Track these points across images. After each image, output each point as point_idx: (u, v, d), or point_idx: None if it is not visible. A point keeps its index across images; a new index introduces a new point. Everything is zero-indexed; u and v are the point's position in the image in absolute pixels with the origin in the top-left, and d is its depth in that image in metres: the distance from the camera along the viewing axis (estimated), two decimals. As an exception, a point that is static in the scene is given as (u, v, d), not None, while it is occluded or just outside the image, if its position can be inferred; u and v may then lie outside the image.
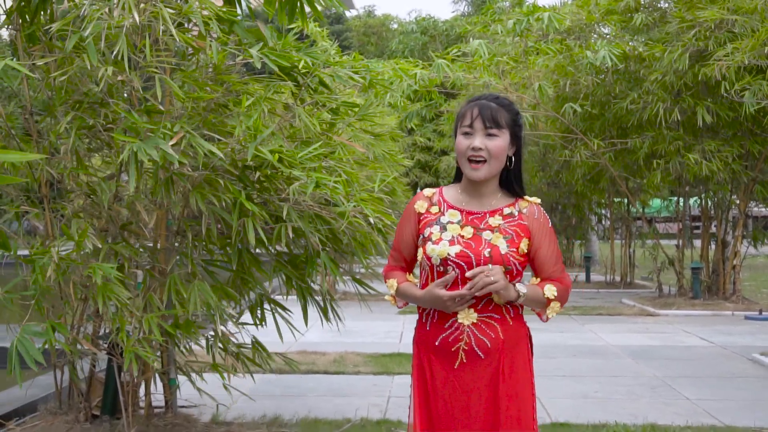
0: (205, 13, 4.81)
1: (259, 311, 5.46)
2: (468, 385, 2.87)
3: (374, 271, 4.94)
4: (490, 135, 2.87)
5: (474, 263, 2.83)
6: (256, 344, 5.46)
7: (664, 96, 11.93)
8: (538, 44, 13.26)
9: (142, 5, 4.42)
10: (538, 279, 2.98)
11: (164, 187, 4.56)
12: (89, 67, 4.49)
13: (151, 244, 5.28)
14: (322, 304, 5.44)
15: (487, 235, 2.88)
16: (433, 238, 2.91)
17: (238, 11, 5.34)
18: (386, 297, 3.12)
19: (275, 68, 4.87)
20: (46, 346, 4.93)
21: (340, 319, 5.51)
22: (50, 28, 4.85)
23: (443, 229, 2.92)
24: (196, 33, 4.98)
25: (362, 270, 5.30)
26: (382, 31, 35.73)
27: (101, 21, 4.30)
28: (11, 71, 5.25)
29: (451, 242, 2.88)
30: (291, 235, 4.70)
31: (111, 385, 5.30)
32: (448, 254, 2.86)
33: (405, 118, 15.03)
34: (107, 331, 5.28)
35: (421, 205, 3.03)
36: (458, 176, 3.03)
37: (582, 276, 18.74)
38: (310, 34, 11.49)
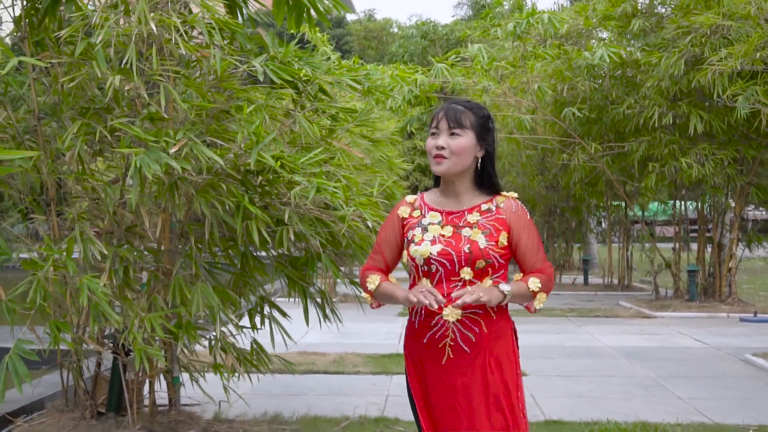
0: (209, 21, 4.97)
1: (258, 315, 5.60)
2: (456, 380, 2.97)
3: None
4: (453, 134, 3.01)
5: (455, 260, 2.95)
6: (256, 346, 5.60)
7: (660, 101, 12.08)
8: (536, 48, 13.41)
9: (151, 14, 4.57)
10: (521, 274, 3.09)
11: (168, 191, 4.70)
12: (99, 74, 4.63)
13: (155, 246, 5.42)
14: (320, 304, 5.59)
15: (466, 231, 3.00)
16: (416, 240, 3.04)
17: (239, 19, 5.47)
18: (363, 294, 3.25)
19: (277, 80, 5.02)
20: (52, 347, 5.10)
21: (339, 320, 5.65)
22: (59, 34, 5.00)
23: (425, 230, 3.05)
24: (200, 41, 5.14)
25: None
26: (383, 35, 35.86)
27: (111, 29, 4.46)
28: (18, 77, 5.41)
29: (433, 242, 3.00)
30: (292, 238, 4.85)
31: (116, 383, 5.44)
32: (431, 253, 2.98)
33: (406, 124, 15.18)
34: (112, 330, 5.43)
35: (404, 210, 3.17)
36: (437, 181, 3.17)
37: (580, 279, 18.89)
38: (311, 40, 11.63)
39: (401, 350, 9.10)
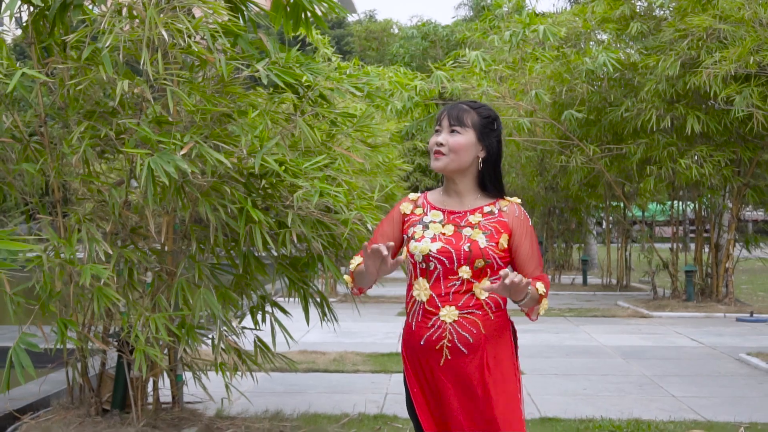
0: (212, 26, 5.09)
1: (260, 313, 5.73)
2: (455, 381, 2.95)
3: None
4: (453, 132, 3.02)
5: (454, 258, 2.94)
6: (260, 343, 5.72)
7: (657, 104, 12.21)
8: (535, 51, 13.52)
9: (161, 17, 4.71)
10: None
11: (176, 194, 4.83)
12: (105, 79, 4.76)
13: (159, 248, 5.54)
14: (320, 304, 5.72)
15: (467, 231, 2.99)
16: (416, 237, 3.02)
17: (240, 22, 5.59)
18: (345, 276, 3.21)
19: (281, 83, 5.14)
20: (59, 345, 5.23)
21: (336, 320, 5.78)
22: (66, 38, 5.13)
23: (425, 227, 3.04)
24: (203, 45, 5.26)
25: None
26: (384, 36, 35.96)
27: (118, 34, 4.59)
28: (27, 82, 5.54)
29: (433, 239, 3.00)
30: (295, 240, 4.99)
31: (121, 380, 5.55)
32: (430, 251, 2.97)
33: (406, 132, 15.28)
34: (117, 329, 5.55)
35: (406, 207, 3.17)
36: (442, 180, 3.17)
37: (579, 279, 19.01)
38: (312, 41, 11.74)
39: (400, 349, 9.25)
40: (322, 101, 5.61)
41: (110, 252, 4.89)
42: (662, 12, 13.56)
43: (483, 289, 2.90)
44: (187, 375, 5.84)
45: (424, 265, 3.00)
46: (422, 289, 3.01)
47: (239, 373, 5.57)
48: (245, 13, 5.61)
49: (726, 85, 10.31)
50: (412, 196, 3.23)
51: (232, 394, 5.51)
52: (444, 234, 3.01)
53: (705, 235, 14.59)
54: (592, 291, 17.12)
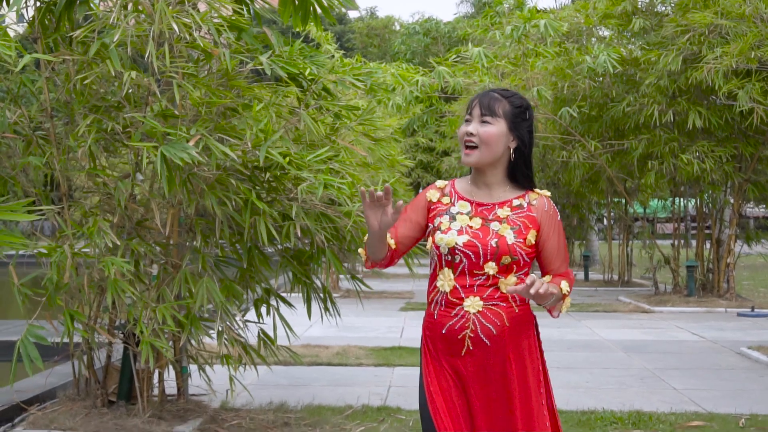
0: (217, 20, 5.15)
1: (264, 306, 5.79)
2: (475, 372, 2.91)
3: (375, 270, 5.24)
4: (484, 122, 2.92)
5: (481, 253, 2.88)
6: (264, 336, 5.77)
7: (659, 99, 12.25)
8: (537, 47, 13.56)
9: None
10: (549, 276, 3.00)
11: (182, 186, 4.88)
12: (112, 73, 4.81)
13: (164, 240, 5.59)
14: (323, 298, 5.78)
15: (495, 226, 2.92)
16: (442, 228, 2.96)
17: (245, 16, 5.63)
18: (360, 250, 3.13)
19: (284, 75, 5.19)
20: (65, 339, 5.30)
21: (338, 314, 5.83)
22: (72, 34, 5.18)
23: (452, 219, 2.97)
24: (208, 39, 5.31)
25: (364, 270, 5.64)
26: (385, 32, 36.01)
27: (127, 28, 4.64)
28: (32, 76, 5.59)
29: (460, 232, 2.93)
30: (299, 233, 5.04)
31: (127, 372, 5.61)
32: (456, 243, 2.90)
33: (408, 125, 15.34)
34: (123, 322, 5.61)
35: (433, 194, 3.07)
36: (471, 168, 3.07)
37: (581, 275, 19.06)
38: (315, 38, 11.79)
39: (403, 344, 9.33)
40: (326, 94, 5.65)
41: (117, 242, 4.95)
42: (664, 8, 13.59)
43: (507, 289, 2.86)
44: (192, 368, 5.89)
45: (450, 257, 2.94)
46: (446, 280, 2.95)
47: (243, 365, 5.63)
48: (250, 7, 5.66)
49: (727, 81, 10.35)
50: (440, 183, 3.14)
51: (235, 386, 5.57)
52: (471, 227, 2.94)
53: (706, 231, 14.63)
54: (593, 287, 17.18)
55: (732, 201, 13.74)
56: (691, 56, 11.39)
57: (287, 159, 4.87)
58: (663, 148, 12.70)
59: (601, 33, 14.88)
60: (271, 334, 5.74)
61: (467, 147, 2.96)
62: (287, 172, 5.02)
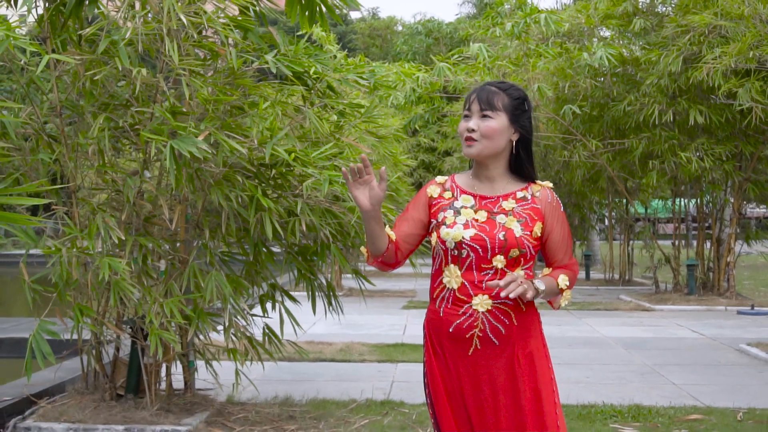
0: (223, 20, 5.25)
1: (269, 302, 5.89)
2: (482, 371, 2.89)
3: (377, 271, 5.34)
4: (484, 116, 2.90)
5: (489, 246, 2.85)
6: (269, 331, 5.87)
7: (660, 98, 12.34)
8: (538, 47, 13.66)
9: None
10: (549, 269, 3.01)
11: (189, 181, 4.98)
12: (120, 69, 4.91)
13: (172, 236, 5.69)
14: (327, 294, 5.88)
15: (501, 218, 2.90)
16: (447, 222, 2.92)
17: (252, 16, 5.73)
18: (362, 249, 3.08)
19: (289, 73, 5.29)
20: (74, 336, 5.40)
21: (341, 310, 5.93)
22: (82, 32, 5.28)
23: (457, 213, 2.94)
24: (214, 39, 5.42)
25: (367, 268, 5.73)
26: (387, 33, 36.11)
27: (136, 27, 4.75)
28: (43, 75, 5.68)
29: (466, 226, 2.90)
30: (304, 229, 5.14)
31: (135, 366, 5.70)
32: (463, 237, 2.87)
33: (409, 122, 15.45)
34: (131, 317, 5.70)
35: (433, 190, 3.04)
36: (471, 163, 3.06)
37: (582, 274, 19.15)
38: (317, 39, 11.88)
39: (406, 341, 9.40)
40: (331, 93, 5.75)
41: (123, 237, 5.04)
42: (665, 8, 13.68)
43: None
44: (199, 363, 5.99)
45: (456, 252, 2.90)
46: (453, 276, 2.91)
47: (249, 359, 5.73)
48: (256, 7, 5.76)
49: (727, 80, 10.44)
50: (440, 179, 3.11)
51: (241, 380, 5.66)
52: (477, 220, 2.91)
53: (707, 231, 14.72)
54: (595, 286, 17.26)
55: (732, 200, 13.82)
56: (691, 56, 11.47)
57: (293, 156, 4.97)
58: (663, 146, 12.78)
59: (602, 33, 14.97)
60: (276, 329, 5.84)
61: (468, 141, 2.94)
62: (292, 169, 5.12)
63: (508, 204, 2.94)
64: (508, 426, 2.88)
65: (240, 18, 5.43)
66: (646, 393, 6.67)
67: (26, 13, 5.52)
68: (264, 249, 5.72)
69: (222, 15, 5.30)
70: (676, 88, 12.15)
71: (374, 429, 5.51)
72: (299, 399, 6.25)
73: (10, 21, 5.14)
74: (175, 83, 5.47)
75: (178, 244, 5.64)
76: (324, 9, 5.49)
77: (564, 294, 2.98)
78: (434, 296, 2.99)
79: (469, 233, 2.89)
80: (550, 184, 3.03)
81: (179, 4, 4.87)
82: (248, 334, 5.70)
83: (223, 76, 5.44)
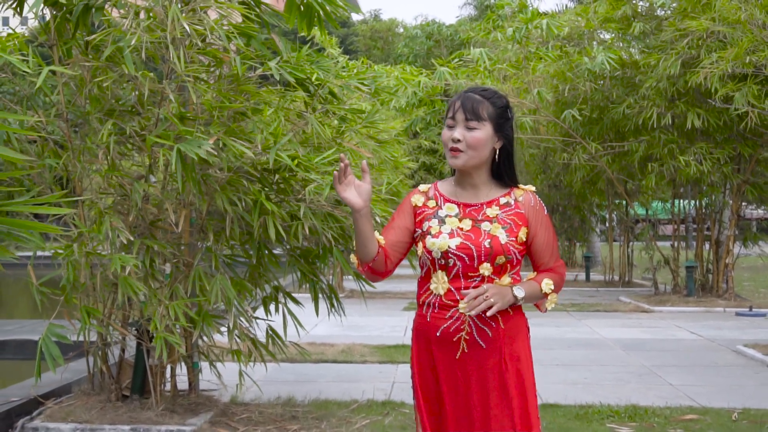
0: (227, 27, 5.36)
1: (272, 304, 5.99)
2: (470, 374, 2.92)
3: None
4: (469, 127, 2.90)
5: (475, 255, 2.87)
6: (272, 333, 5.97)
7: (658, 102, 12.44)
8: (538, 50, 13.76)
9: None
10: (534, 273, 3.04)
11: (196, 186, 5.09)
12: (128, 76, 5.02)
13: (177, 239, 5.79)
14: (329, 296, 5.99)
15: (485, 226, 2.92)
16: (433, 232, 2.93)
17: (254, 24, 5.83)
18: (351, 257, 3.09)
19: (292, 80, 5.40)
20: (81, 338, 5.51)
21: (343, 312, 6.04)
22: (88, 38, 5.39)
23: (442, 222, 2.95)
24: (217, 46, 5.52)
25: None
26: (389, 35, 36.22)
27: (141, 34, 4.85)
28: (50, 81, 5.78)
29: (451, 235, 2.91)
30: (307, 232, 5.24)
31: (140, 367, 5.80)
32: (449, 247, 2.89)
33: (410, 125, 15.56)
34: (136, 319, 5.81)
35: (417, 199, 3.06)
36: (454, 170, 3.05)
37: (582, 276, 19.26)
38: (319, 41, 11.98)
39: (406, 342, 9.49)
40: (332, 98, 5.86)
41: (131, 239, 5.15)
42: (663, 12, 13.78)
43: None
44: (203, 364, 6.09)
45: (443, 261, 2.92)
46: (440, 283, 2.94)
47: (252, 360, 5.83)
48: (259, 14, 5.86)
49: (724, 84, 10.54)
50: (423, 187, 3.12)
51: (245, 381, 5.77)
52: (462, 229, 2.93)
53: (706, 232, 14.82)
54: (594, 287, 17.35)
55: (731, 202, 13.92)
56: (689, 60, 11.58)
57: (296, 161, 5.09)
58: (662, 149, 12.89)
59: (602, 36, 15.07)
60: (279, 331, 5.94)
61: (454, 151, 2.94)
62: (295, 173, 5.23)
63: (492, 211, 2.96)
64: (497, 426, 2.91)
65: (243, 24, 5.53)
66: (643, 393, 6.77)
67: (33, 17, 5.63)
68: (267, 252, 5.83)
69: (226, 23, 5.41)
70: (675, 91, 12.26)
71: (375, 429, 5.61)
72: (302, 399, 6.35)
73: (12, 27, 5.25)
74: (180, 89, 5.57)
75: (182, 248, 5.74)
76: (322, 14, 5.61)
77: (549, 297, 3.01)
78: (421, 302, 3.02)
79: (454, 242, 2.91)
80: (533, 188, 3.05)
81: (183, 15, 4.97)
82: (252, 336, 5.81)
83: (226, 82, 5.55)
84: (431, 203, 3.05)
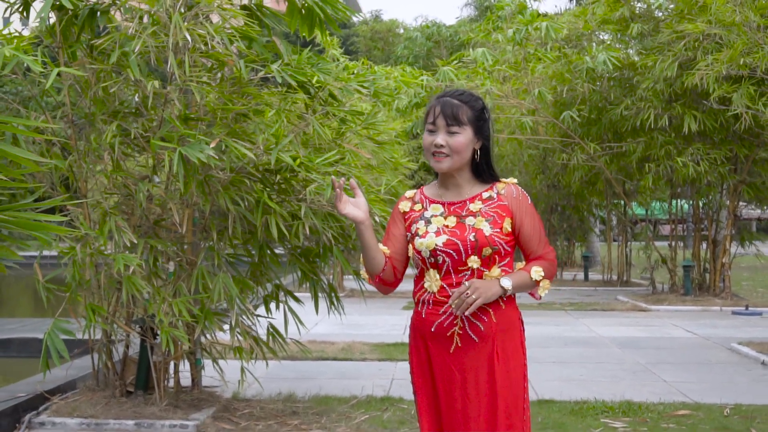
0: (229, 31, 5.49)
1: (273, 302, 6.12)
2: (464, 367, 2.99)
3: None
4: (451, 132, 3.00)
5: (461, 249, 2.96)
6: (273, 330, 6.09)
7: (655, 103, 12.57)
8: (538, 52, 13.88)
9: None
10: (524, 262, 3.11)
11: (199, 187, 5.22)
12: (132, 80, 5.15)
13: (180, 239, 5.92)
14: (329, 295, 6.11)
15: (470, 220, 3.01)
16: (420, 233, 3.05)
17: (256, 26, 5.95)
18: (362, 273, 3.21)
19: (293, 82, 5.53)
20: (85, 336, 5.63)
21: (342, 310, 6.16)
22: (94, 42, 5.51)
23: (428, 222, 3.06)
24: (219, 49, 5.64)
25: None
26: (389, 36, 36.32)
27: (146, 39, 4.98)
28: (56, 84, 5.90)
29: (437, 233, 3.01)
30: (307, 232, 5.37)
31: (144, 363, 5.93)
32: (436, 245, 2.99)
33: (411, 128, 15.67)
34: (140, 316, 5.93)
35: (405, 205, 3.18)
36: (437, 173, 3.15)
37: (581, 275, 19.38)
38: (321, 43, 12.10)
39: (405, 340, 9.61)
40: (332, 100, 5.99)
41: (135, 241, 5.27)
42: (661, 14, 13.90)
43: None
44: (205, 361, 6.22)
45: (433, 259, 3.02)
46: (433, 281, 3.03)
47: (254, 357, 5.95)
48: (261, 18, 5.99)
49: (719, 85, 10.66)
50: (409, 193, 3.24)
51: (246, 377, 5.89)
52: (447, 226, 3.03)
53: (703, 232, 14.93)
54: (593, 286, 17.47)
55: (728, 202, 14.04)
56: (686, 61, 11.70)
57: (297, 162, 5.21)
58: (659, 150, 13.01)
59: (600, 37, 15.19)
60: (280, 329, 6.06)
61: (437, 155, 3.04)
62: (297, 174, 5.35)
63: (475, 206, 3.06)
64: (487, 418, 2.99)
65: (244, 28, 5.66)
66: (637, 390, 6.89)
67: (39, 22, 5.74)
68: (269, 251, 5.96)
69: (228, 26, 5.53)
70: (672, 92, 12.38)
71: (374, 423, 5.74)
72: (302, 395, 6.48)
73: (16, 29, 5.37)
74: (183, 91, 5.69)
75: (185, 247, 5.86)
76: (323, 17, 5.74)
77: (541, 284, 3.08)
78: (417, 300, 3.13)
79: (441, 240, 3.01)
80: (515, 180, 3.15)
81: (185, 22, 5.09)
82: (253, 333, 5.93)
83: (229, 84, 5.67)
84: (417, 207, 3.16)
